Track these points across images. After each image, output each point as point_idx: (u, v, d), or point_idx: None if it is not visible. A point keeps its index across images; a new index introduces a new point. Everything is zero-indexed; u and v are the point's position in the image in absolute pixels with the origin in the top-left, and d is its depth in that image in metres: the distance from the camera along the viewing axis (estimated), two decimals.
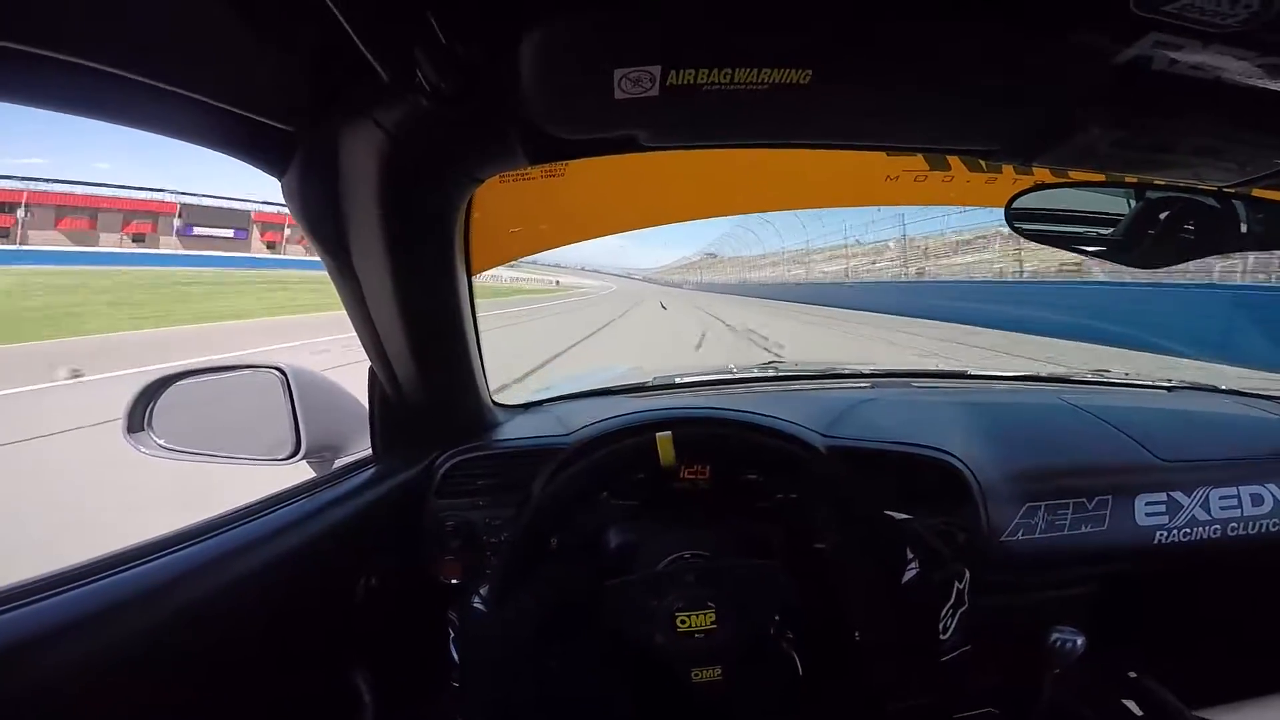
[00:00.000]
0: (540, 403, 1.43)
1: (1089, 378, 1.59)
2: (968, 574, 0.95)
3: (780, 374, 1.65)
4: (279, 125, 0.70)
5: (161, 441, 1.06)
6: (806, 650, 1.00)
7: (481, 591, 0.93)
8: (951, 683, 0.94)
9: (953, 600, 0.92)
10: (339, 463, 1.16)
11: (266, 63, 0.63)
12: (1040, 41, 0.60)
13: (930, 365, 1.73)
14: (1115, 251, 0.97)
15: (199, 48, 0.58)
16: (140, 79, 0.55)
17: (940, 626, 0.91)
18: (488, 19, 0.59)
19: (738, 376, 1.64)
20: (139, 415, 1.06)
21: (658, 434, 0.91)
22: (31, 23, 0.47)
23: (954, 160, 1.40)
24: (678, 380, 1.58)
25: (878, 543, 0.91)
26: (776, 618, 0.99)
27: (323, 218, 0.84)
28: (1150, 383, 1.55)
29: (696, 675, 0.90)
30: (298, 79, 0.67)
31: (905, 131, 0.80)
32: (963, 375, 1.63)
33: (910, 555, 0.90)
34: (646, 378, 1.60)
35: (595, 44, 0.60)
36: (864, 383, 1.56)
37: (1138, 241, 0.95)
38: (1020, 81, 0.66)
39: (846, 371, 1.65)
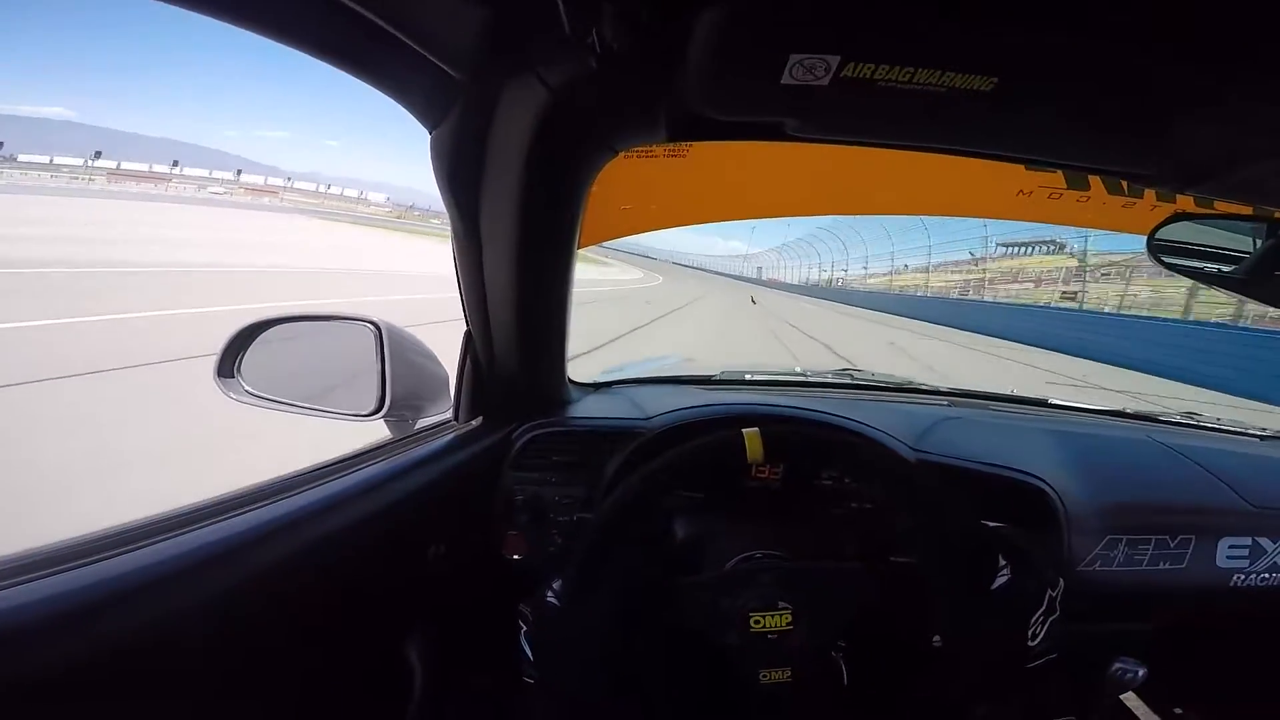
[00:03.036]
0: (611, 384, 1.42)
1: (1178, 419, 1.56)
2: (1062, 582, 0.94)
3: (855, 382, 1.63)
4: (448, 69, 0.69)
5: (250, 388, 1.05)
6: (860, 656, 0.99)
7: (555, 585, 0.92)
8: (1038, 690, 0.93)
9: (1044, 607, 0.91)
10: (417, 423, 1.15)
11: (462, 3, 0.61)
12: (1237, 70, 0.58)
13: (1008, 391, 1.68)
14: (1247, 287, 0.95)
15: None
16: None
17: (1029, 633, 0.90)
18: None
19: (810, 380, 1.62)
20: (230, 361, 1.05)
21: (745, 430, 0.90)
22: None
23: (1094, 180, 1.36)
24: (747, 377, 1.57)
25: (968, 548, 0.90)
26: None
27: (465, 175, 0.83)
28: (1242, 429, 1.53)
29: (765, 676, 0.89)
30: (484, 23, 0.66)
31: (1074, 149, 0.78)
32: (1043, 403, 1.60)
33: (1002, 562, 0.89)
34: (712, 370, 1.58)
35: (779, 25, 0.58)
36: (942, 400, 1.53)
37: (1271, 278, 0.93)
38: (1206, 108, 0.64)
39: (924, 387, 1.63)
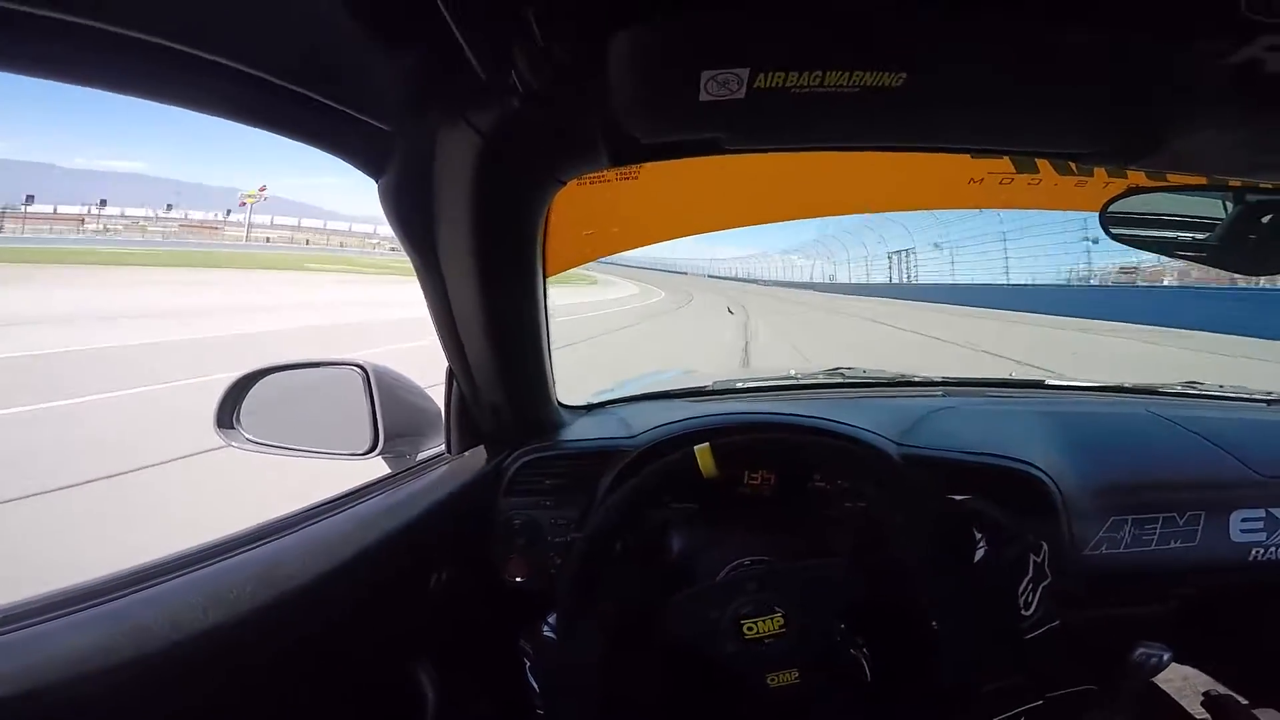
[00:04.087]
0: (602, 404, 1.44)
1: (1179, 389, 1.51)
2: (1045, 546, 0.92)
3: (847, 380, 1.62)
4: (379, 125, 0.72)
5: (250, 436, 1.11)
6: (878, 651, 0.98)
7: (550, 620, 0.94)
8: (1042, 660, 0.91)
9: (1031, 575, 0.89)
10: (412, 458, 1.19)
11: (373, 61, 0.65)
12: (1149, 43, 0.58)
13: (1004, 375, 1.65)
14: (1216, 257, 0.93)
15: (311, 44, 0.60)
16: (252, 71, 0.57)
17: (1021, 602, 0.88)
18: (582, 19, 0.60)
19: (802, 382, 1.61)
20: (228, 411, 1.10)
21: (695, 446, 0.91)
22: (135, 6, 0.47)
23: (1042, 163, 1.34)
24: (739, 385, 1.57)
25: (942, 527, 0.89)
26: (843, 625, 0.98)
27: (415, 219, 0.86)
28: (1247, 395, 1.47)
29: (772, 680, 0.89)
30: (400, 78, 0.69)
31: (1001, 134, 0.78)
32: (1040, 385, 1.57)
33: (977, 535, 0.88)
34: (706, 381, 1.59)
35: (684, 46, 0.60)
36: (936, 391, 1.51)
37: (1239, 246, 0.92)
38: (1128, 83, 0.64)
39: (917, 380, 1.61)
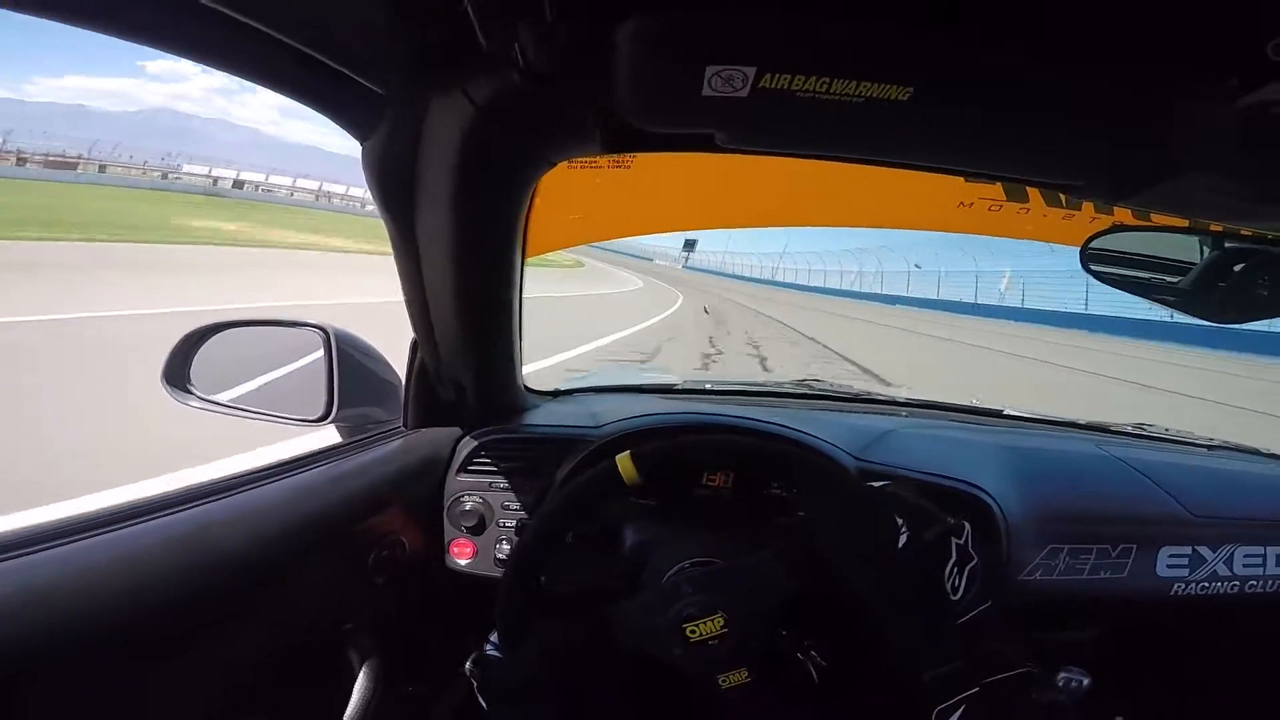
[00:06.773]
0: (570, 392, 1.43)
1: (1129, 429, 1.55)
2: (968, 527, 0.91)
3: (813, 392, 1.63)
4: (373, 87, 0.70)
5: (199, 393, 1.06)
6: (826, 648, 0.98)
7: (492, 638, 0.92)
8: (979, 644, 0.91)
9: (955, 558, 0.88)
10: (367, 429, 1.16)
11: (375, 21, 0.63)
12: (1160, 80, 0.58)
13: (967, 401, 1.68)
14: (1185, 302, 0.95)
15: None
16: (250, 22, 0.54)
17: (948, 587, 0.87)
18: (594, 1, 0.58)
19: (768, 390, 1.62)
20: (178, 366, 1.05)
21: (617, 456, 0.89)
22: None
23: (1033, 192, 1.36)
24: (708, 386, 1.57)
25: (865, 517, 0.88)
26: (783, 630, 0.97)
27: (397, 186, 0.83)
28: (1191, 440, 1.52)
29: (724, 681, 0.89)
30: (400, 41, 0.67)
31: (998, 159, 0.78)
32: (998, 414, 1.60)
33: (899, 521, 0.87)
34: (675, 379, 1.60)
35: (692, 37, 0.59)
36: (900, 411, 1.54)
37: (1209, 292, 0.94)
38: (1129, 118, 0.64)
39: (881, 398, 1.62)
